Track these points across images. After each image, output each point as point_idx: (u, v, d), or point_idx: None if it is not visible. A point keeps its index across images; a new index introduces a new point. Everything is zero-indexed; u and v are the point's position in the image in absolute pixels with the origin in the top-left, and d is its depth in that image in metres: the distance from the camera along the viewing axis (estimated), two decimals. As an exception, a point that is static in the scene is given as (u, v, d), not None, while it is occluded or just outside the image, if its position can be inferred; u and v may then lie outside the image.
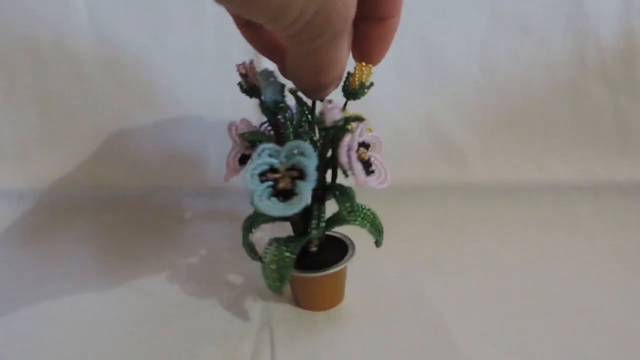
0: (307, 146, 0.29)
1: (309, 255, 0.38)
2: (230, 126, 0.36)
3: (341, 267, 0.37)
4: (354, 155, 0.30)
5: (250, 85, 0.34)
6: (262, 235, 0.49)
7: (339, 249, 0.39)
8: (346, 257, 0.38)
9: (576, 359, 0.33)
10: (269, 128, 0.36)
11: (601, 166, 0.61)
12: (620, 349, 0.34)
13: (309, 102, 0.35)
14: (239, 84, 0.34)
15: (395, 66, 0.60)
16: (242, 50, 0.31)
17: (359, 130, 0.31)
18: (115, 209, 0.56)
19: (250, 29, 0.30)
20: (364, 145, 0.32)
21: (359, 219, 0.35)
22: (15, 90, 0.57)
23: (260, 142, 0.31)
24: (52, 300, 0.41)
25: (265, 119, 0.35)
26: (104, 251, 0.49)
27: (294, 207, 0.28)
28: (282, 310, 0.39)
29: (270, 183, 0.29)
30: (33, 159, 0.58)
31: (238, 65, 0.34)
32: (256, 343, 0.35)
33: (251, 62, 0.34)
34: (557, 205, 0.56)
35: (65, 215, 0.55)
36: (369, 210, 0.35)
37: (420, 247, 0.48)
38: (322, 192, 0.34)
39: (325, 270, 0.36)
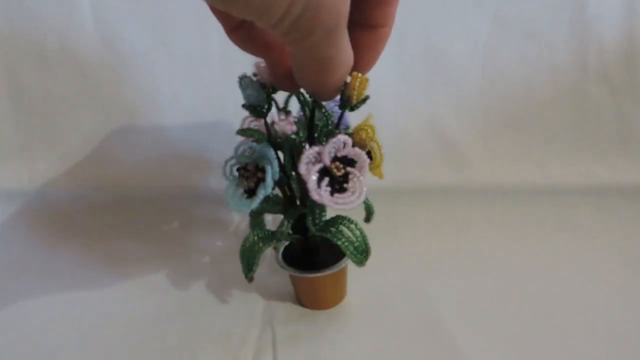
0: (268, 154, 0.30)
1: (309, 256, 0.38)
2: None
3: (339, 268, 0.37)
4: (312, 169, 0.29)
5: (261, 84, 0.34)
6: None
7: (340, 250, 0.39)
8: (345, 258, 0.38)
9: (577, 361, 0.33)
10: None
11: (603, 169, 0.61)
12: (622, 351, 0.34)
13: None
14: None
15: (398, 69, 0.60)
16: (245, 52, 0.31)
17: (329, 145, 0.29)
18: (118, 210, 0.56)
19: (239, 33, 0.29)
20: (346, 160, 0.30)
21: (338, 238, 0.34)
22: (20, 91, 0.57)
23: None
24: (54, 300, 0.41)
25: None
26: (106, 252, 0.49)
27: (247, 206, 0.30)
28: (284, 311, 0.39)
29: (242, 179, 0.31)
30: (37, 159, 0.58)
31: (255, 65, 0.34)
32: (258, 344, 0.35)
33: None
34: (558, 208, 0.56)
35: (68, 215, 0.55)
36: (355, 227, 0.35)
37: (421, 249, 0.48)
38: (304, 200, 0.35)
39: (324, 271, 0.36)
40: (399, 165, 0.61)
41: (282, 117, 0.31)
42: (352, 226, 0.35)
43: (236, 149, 0.32)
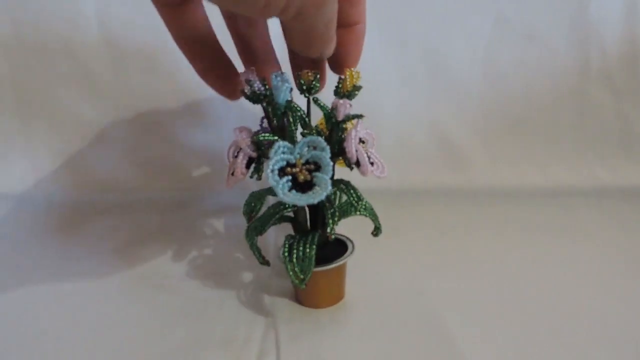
0: (320, 140, 0.31)
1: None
2: (236, 133, 0.36)
3: (341, 263, 0.37)
4: (360, 148, 0.33)
5: (254, 92, 0.34)
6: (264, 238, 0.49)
7: (339, 248, 0.40)
8: (346, 254, 0.38)
9: (579, 362, 0.33)
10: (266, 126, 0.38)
11: (605, 171, 0.61)
12: (623, 352, 0.34)
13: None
14: (242, 90, 0.34)
15: (399, 73, 0.60)
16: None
17: (359, 126, 0.33)
18: (124, 212, 0.56)
19: (173, 10, 0.31)
20: (361, 141, 0.34)
21: (362, 209, 0.37)
22: (25, 96, 0.57)
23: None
24: (58, 301, 0.41)
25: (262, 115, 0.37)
26: (109, 255, 0.49)
27: (319, 195, 0.30)
28: (288, 312, 0.39)
29: (289, 177, 0.31)
30: (43, 164, 0.59)
31: (242, 73, 0.34)
32: (261, 345, 0.35)
33: (254, 70, 0.34)
34: (560, 210, 0.56)
35: (72, 218, 0.56)
36: (366, 201, 0.38)
37: (423, 251, 0.48)
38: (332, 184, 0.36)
39: (325, 266, 0.37)
40: (401, 167, 0.62)
41: (340, 100, 0.33)
42: (363, 201, 0.37)
43: (275, 151, 0.31)
